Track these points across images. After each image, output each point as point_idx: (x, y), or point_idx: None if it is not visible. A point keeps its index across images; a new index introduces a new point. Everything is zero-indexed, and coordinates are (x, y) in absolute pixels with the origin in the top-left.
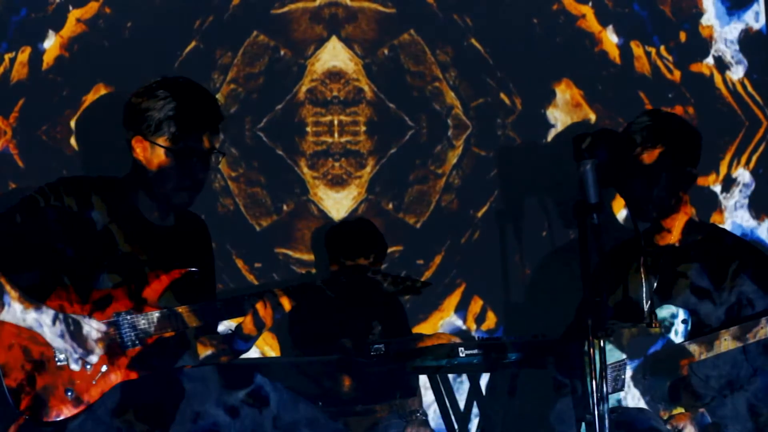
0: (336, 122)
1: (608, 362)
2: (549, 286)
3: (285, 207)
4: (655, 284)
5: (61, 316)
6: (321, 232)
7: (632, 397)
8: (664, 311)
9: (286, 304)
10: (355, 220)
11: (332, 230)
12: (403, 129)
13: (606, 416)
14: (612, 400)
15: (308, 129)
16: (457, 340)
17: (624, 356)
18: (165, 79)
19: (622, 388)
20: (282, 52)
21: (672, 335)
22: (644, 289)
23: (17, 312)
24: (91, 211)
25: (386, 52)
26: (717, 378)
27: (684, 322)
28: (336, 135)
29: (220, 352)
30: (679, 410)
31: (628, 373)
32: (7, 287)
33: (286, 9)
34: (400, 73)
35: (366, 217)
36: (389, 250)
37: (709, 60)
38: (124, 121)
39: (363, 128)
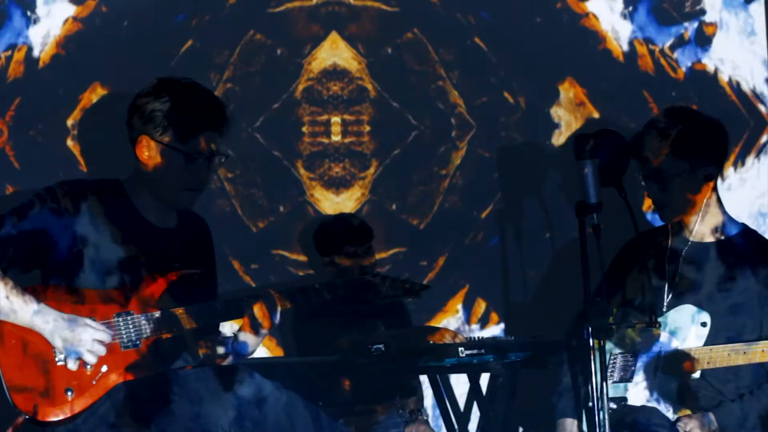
0: (335, 121)
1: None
2: (552, 287)
3: (281, 208)
4: (665, 284)
5: (60, 316)
6: (309, 231)
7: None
8: (682, 313)
9: (285, 306)
10: (336, 215)
11: (318, 228)
12: (406, 129)
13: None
14: (619, 389)
15: (305, 129)
16: (461, 336)
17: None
18: (170, 80)
19: (630, 379)
20: (279, 51)
21: (690, 338)
22: (649, 288)
23: (18, 312)
24: (89, 213)
25: (389, 51)
26: (725, 382)
27: (703, 324)
28: (338, 136)
29: (221, 355)
30: (686, 412)
31: (640, 365)
32: (8, 287)
33: (283, 8)
34: (404, 72)
35: (349, 213)
36: (392, 251)
37: (713, 58)
38: (128, 122)
39: (367, 128)
